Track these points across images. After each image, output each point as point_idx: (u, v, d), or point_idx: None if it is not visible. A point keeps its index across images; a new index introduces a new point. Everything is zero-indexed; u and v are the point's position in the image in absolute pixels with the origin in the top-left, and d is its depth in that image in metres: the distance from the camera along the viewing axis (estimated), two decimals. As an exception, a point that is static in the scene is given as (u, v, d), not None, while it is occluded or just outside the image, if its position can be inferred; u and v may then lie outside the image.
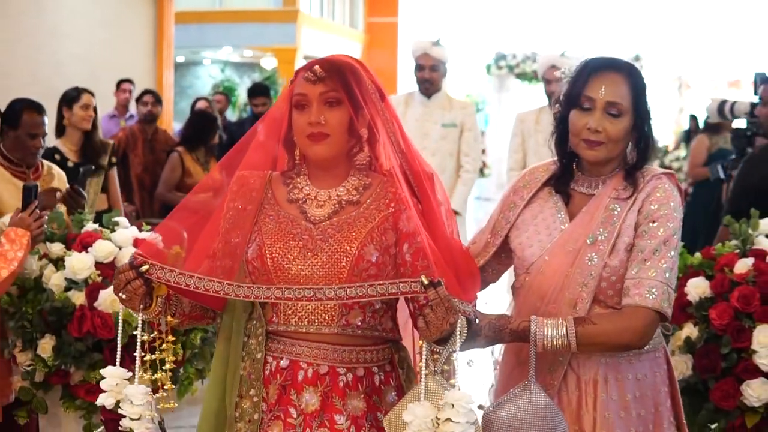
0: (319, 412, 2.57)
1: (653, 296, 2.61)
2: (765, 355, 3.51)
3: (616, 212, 2.74)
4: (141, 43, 13.82)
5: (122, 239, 4.01)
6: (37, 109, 4.77)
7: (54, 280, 3.91)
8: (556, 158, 2.90)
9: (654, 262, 2.65)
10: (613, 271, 2.70)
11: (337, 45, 23.75)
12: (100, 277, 3.91)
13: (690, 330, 3.67)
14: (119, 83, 10.58)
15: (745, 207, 3.97)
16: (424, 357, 2.41)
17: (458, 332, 2.39)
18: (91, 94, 6.50)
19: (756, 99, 5.64)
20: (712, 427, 3.71)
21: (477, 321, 2.54)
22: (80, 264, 3.86)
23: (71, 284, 3.89)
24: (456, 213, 4.63)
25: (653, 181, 2.75)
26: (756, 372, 3.52)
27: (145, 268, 2.50)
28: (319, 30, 23.20)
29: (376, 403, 2.64)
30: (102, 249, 3.91)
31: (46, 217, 4.01)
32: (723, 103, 6.14)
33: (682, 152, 11.30)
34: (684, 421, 2.91)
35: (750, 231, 3.79)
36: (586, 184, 2.82)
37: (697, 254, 3.81)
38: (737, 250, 3.77)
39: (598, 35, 21.84)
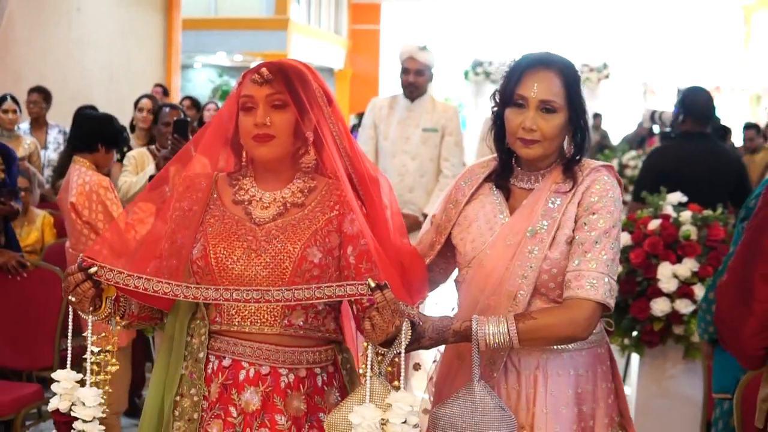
0: (260, 412, 2.50)
1: (594, 288, 2.50)
2: (665, 282, 4.64)
3: (556, 205, 2.63)
4: (152, 49, 14.65)
5: None
6: (168, 105, 6.27)
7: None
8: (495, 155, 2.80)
9: (595, 254, 2.54)
10: (554, 263, 2.59)
11: (324, 50, 24.35)
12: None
13: (617, 267, 4.63)
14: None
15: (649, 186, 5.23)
16: (368, 359, 2.31)
17: (403, 335, 2.32)
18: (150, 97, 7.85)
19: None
20: (633, 333, 4.83)
21: (420, 323, 2.45)
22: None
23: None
24: (425, 216, 4.57)
25: (592, 174, 2.64)
26: (660, 293, 4.67)
27: (93, 270, 2.40)
28: (307, 36, 23.56)
29: (318, 404, 2.57)
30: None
31: None
32: (654, 112, 7.14)
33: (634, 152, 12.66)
34: (630, 416, 2.81)
35: (660, 202, 4.97)
36: (526, 179, 2.71)
37: (623, 216, 4.69)
38: (650, 214, 4.90)
39: (568, 43, 22.05)
